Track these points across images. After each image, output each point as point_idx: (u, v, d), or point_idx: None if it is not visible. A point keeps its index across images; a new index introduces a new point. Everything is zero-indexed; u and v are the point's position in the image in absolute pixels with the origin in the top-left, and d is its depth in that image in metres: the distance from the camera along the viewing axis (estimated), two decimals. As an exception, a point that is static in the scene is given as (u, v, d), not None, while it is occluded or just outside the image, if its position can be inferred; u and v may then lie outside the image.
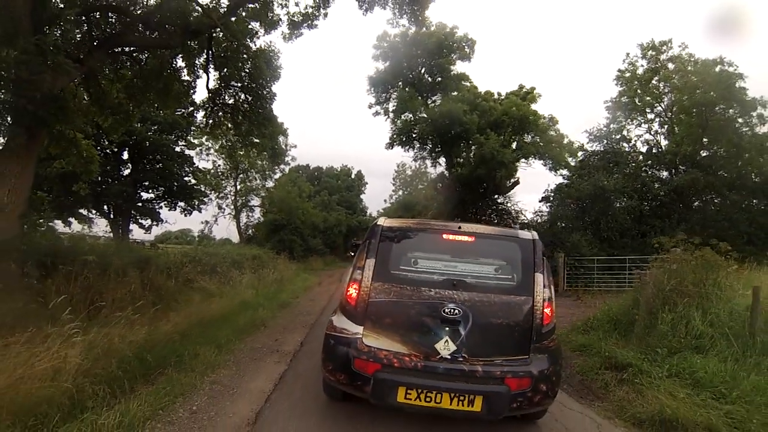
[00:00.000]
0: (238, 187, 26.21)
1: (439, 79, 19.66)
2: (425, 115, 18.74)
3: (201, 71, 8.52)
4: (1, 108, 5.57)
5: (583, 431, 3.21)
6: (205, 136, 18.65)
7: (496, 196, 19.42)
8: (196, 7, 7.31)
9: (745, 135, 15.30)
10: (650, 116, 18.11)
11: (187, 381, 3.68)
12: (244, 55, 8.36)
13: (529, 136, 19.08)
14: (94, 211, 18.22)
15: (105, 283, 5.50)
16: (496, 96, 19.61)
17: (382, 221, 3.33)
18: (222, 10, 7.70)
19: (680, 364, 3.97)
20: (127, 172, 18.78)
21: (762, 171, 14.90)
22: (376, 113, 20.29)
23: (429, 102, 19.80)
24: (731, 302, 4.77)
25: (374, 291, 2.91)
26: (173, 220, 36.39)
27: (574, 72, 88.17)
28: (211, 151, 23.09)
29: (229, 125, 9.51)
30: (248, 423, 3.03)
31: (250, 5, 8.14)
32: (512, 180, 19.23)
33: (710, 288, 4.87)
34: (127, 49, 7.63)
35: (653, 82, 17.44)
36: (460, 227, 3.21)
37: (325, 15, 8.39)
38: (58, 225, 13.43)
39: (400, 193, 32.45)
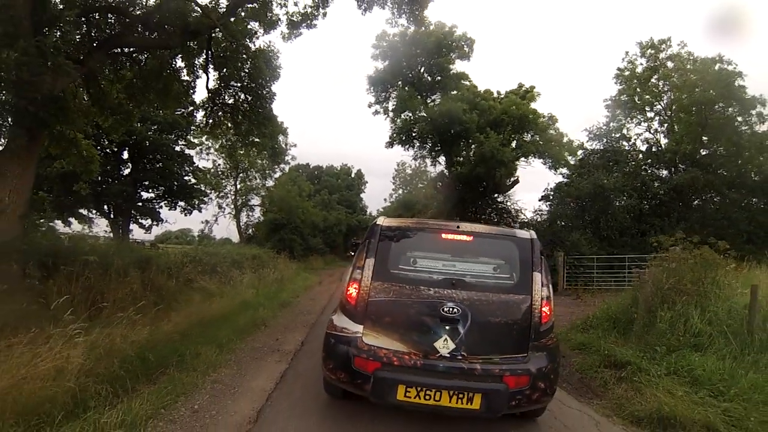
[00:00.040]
0: (238, 187, 26.23)
1: (439, 78, 19.66)
2: (425, 114, 18.74)
3: (200, 71, 8.53)
4: (2, 109, 5.59)
5: (582, 429, 3.23)
6: (205, 136, 18.68)
7: (495, 195, 19.44)
8: (196, 8, 7.31)
9: (744, 133, 15.32)
10: (650, 115, 18.15)
11: (188, 380, 3.71)
12: (244, 55, 8.36)
13: (529, 135, 19.09)
14: (94, 211, 18.26)
15: (106, 283, 5.53)
16: (495, 95, 19.62)
17: (382, 221, 3.35)
18: (221, 11, 7.72)
19: (679, 362, 4.00)
20: (127, 171, 18.83)
21: (761, 170, 14.92)
22: (376, 112, 20.31)
23: (428, 101, 19.81)
24: (730, 300, 4.80)
25: (374, 290, 2.94)
26: (173, 219, 36.34)
27: (573, 70, 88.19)
28: (211, 150, 23.16)
29: (229, 125, 9.52)
30: (250, 421, 3.06)
31: (249, 5, 8.15)
32: (512, 179, 19.25)
33: (709, 286, 4.90)
34: (126, 49, 7.65)
35: (652, 80, 17.45)
36: (458, 227, 3.24)
37: (324, 15, 8.41)
38: (58, 225, 13.48)
39: (400, 192, 32.52)
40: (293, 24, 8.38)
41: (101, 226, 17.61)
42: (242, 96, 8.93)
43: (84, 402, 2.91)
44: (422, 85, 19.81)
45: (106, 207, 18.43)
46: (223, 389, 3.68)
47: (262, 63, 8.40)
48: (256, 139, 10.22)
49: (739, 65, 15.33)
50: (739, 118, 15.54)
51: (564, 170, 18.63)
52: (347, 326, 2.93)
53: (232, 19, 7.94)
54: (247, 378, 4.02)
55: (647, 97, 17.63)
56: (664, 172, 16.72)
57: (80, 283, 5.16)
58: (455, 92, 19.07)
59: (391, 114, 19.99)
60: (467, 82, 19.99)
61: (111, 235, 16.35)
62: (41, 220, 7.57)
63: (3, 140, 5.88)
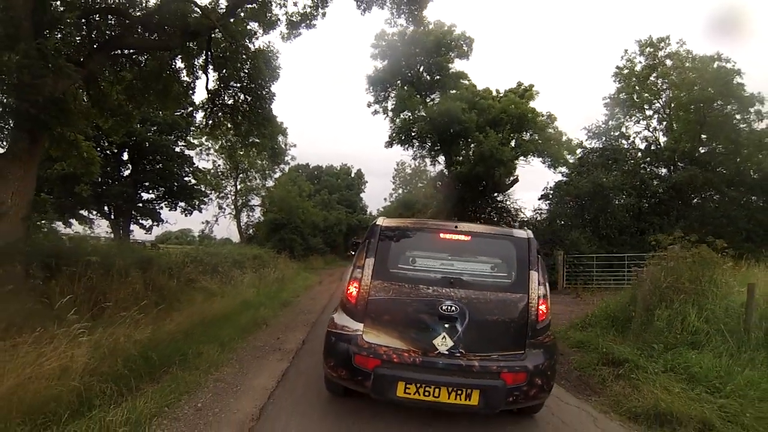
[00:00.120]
0: (239, 187, 26.25)
1: (438, 77, 19.69)
2: (424, 114, 18.78)
3: (200, 72, 8.54)
4: (4, 112, 5.62)
5: (580, 425, 3.27)
6: (205, 137, 18.69)
7: (495, 194, 19.48)
8: (195, 9, 7.34)
9: (743, 131, 15.36)
10: (648, 113, 18.20)
11: (191, 379, 3.75)
12: (243, 56, 8.37)
13: (528, 134, 19.13)
14: (94, 212, 18.30)
15: (108, 283, 5.56)
16: (494, 94, 19.65)
17: (381, 221, 3.40)
18: (221, 11, 7.74)
19: (676, 360, 4.04)
20: (127, 172, 18.86)
21: (760, 167, 14.96)
22: (375, 112, 20.36)
23: (428, 100, 19.84)
24: (727, 299, 4.84)
25: (374, 289, 2.98)
26: (173, 220, 36.48)
27: (572, 69, 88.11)
28: (211, 151, 23.16)
29: (229, 125, 9.53)
30: (252, 419, 3.10)
31: (249, 6, 8.16)
32: (511, 178, 19.29)
33: (706, 285, 4.93)
34: (126, 51, 7.66)
35: (651, 78, 17.50)
36: (456, 226, 3.28)
37: (323, 15, 8.42)
38: (59, 226, 13.49)
39: (400, 191, 32.55)
40: (292, 24, 8.39)
41: (102, 227, 17.65)
42: (242, 96, 8.94)
43: (89, 401, 2.94)
44: (421, 85, 19.84)
45: (106, 208, 18.46)
46: (226, 387, 3.72)
47: (261, 63, 8.42)
48: (256, 140, 10.24)
49: (738, 63, 15.39)
50: (738, 116, 15.58)
51: (563, 169, 18.70)
52: (348, 324, 2.97)
53: (232, 20, 7.95)
54: (249, 376, 4.06)
55: (646, 95, 17.68)
56: (663, 171, 16.78)
57: (83, 283, 5.19)
58: (454, 91, 19.10)
59: (390, 113, 20.05)
60: (466, 81, 20.03)
61: (112, 235, 16.39)
62: (43, 221, 7.60)
63: (5, 143, 5.92)
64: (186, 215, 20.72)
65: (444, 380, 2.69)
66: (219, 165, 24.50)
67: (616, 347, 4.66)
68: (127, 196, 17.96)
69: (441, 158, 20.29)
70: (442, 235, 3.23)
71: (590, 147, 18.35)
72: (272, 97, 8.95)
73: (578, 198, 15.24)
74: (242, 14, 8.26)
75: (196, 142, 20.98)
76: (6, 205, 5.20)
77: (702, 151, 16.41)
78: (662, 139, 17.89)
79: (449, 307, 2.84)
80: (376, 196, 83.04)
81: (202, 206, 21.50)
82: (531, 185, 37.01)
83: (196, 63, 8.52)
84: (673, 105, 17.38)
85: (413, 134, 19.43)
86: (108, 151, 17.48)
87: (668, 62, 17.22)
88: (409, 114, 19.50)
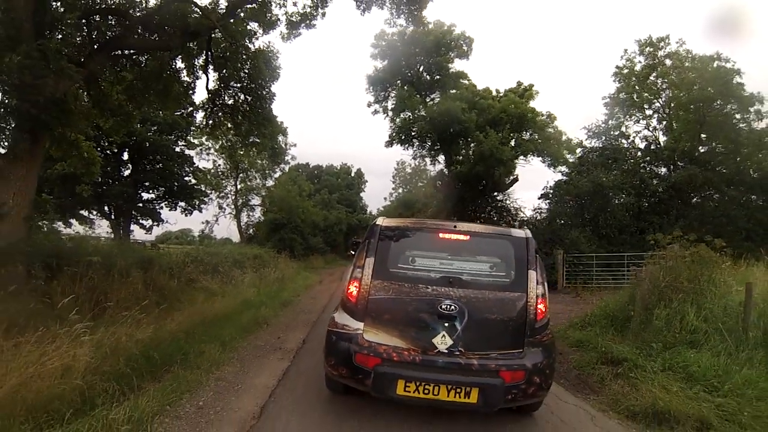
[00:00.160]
0: (239, 187, 26.27)
1: (438, 77, 19.71)
2: (424, 114, 18.79)
3: (200, 72, 8.57)
4: (5, 112, 5.64)
5: (578, 423, 3.30)
6: (205, 137, 18.71)
7: (495, 194, 19.49)
8: (195, 9, 7.36)
9: (743, 131, 15.36)
10: (648, 112, 18.19)
11: (193, 378, 3.77)
12: (243, 56, 8.40)
13: (528, 134, 19.14)
14: (95, 212, 18.34)
15: (109, 283, 5.60)
16: (494, 93, 19.66)
17: (381, 221, 3.43)
18: (221, 12, 7.76)
19: (674, 359, 4.06)
20: (127, 172, 18.90)
21: (760, 167, 14.96)
22: (375, 112, 20.38)
23: (428, 100, 19.85)
24: (725, 298, 4.86)
25: (374, 288, 3.01)
26: (174, 220, 36.39)
27: (572, 69, 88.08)
28: (211, 151, 23.14)
29: (229, 125, 9.56)
30: (253, 417, 3.12)
31: (249, 6, 8.18)
32: (511, 177, 19.31)
33: (705, 284, 4.95)
34: (127, 51, 7.68)
35: (651, 78, 17.49)
36: (455, 226, 3.31)
37: (323, 15, 8.45)
38: (60, 226, 13.53)
39: (400, 191, 32.54)
40: (292, 24, 8.41)
41: (102, 227, 17.70)
42: (242, 96, 8.96)
43: (92, 399, 2.96)
44: (421, 84, 19.86)
45: (107, 208, 18.51)
46: (227, 386, 3.75)
47: (261, 63, 8.44)
48: (256, 140, 10.27)
49: (738, 63, 15.39)
50: (738, 116, 15.58)
51: (563, 168, 18.70)
52: (348, 323, 3.00)
53: (232, 20, 7.97)
54: (250, 375, 4.09)
55: (646, 94, 17.67)
56: (663, 170, 16.79)
57: (84, 283, 5.22)
58: (454, 91, 19.11)
59: (390, 113, 20.08)
60: (466, 81, 20.04)
61: (112, 235, 16.42)
62: (44, 221, 7.63)
63: (6, 143, 5.94)
64: (186, 215, 20.80)
65: (443, 378, 2.71)
66: (219, 165, 24.55)
67: (615, 346, 4.68)
68: (128, 196, 18.00)
69: (441, 158, 20.31)
70: (441, 235, 3.26)
71: (590, 146, 18.35)
72: (272, 97, 8.99)
73: (578, 197, 15.26)
74: (242, 14, 8.28)
75: (196, 141, 21.03)
76: (8, 206, 5.23)
77: (702, 150, 16.42)
78: (662, 139, 17.91)
79: (448, 306, 2.86)
80: (376, 195, 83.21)
81: (202, 206, 21.58)
82: (531, 184, 37.21)
83: (196, 63, 8.55)
84: (672, 104, 17.37)
85: (413, 134, 19.45)
86: (108, 151, 17.52)
87: (668, 62, 17.22)
88: (409, 114, 19.52)
